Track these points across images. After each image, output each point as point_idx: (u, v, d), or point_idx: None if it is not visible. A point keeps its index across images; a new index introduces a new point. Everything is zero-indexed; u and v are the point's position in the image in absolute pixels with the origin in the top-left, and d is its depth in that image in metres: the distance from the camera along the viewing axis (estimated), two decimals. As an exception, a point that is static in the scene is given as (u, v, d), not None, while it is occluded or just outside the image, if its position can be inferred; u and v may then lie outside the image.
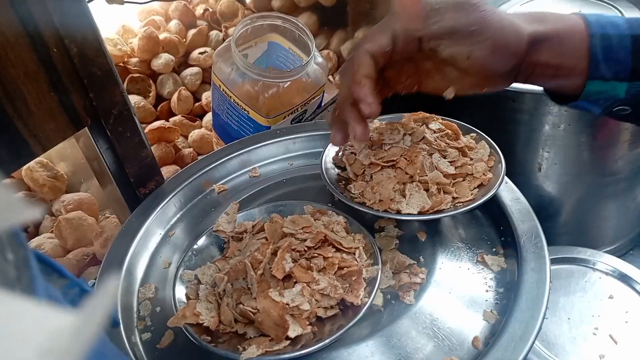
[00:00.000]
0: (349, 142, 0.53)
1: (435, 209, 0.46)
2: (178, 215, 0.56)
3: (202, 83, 1.09)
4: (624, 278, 0.68)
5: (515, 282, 0.42)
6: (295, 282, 0.40)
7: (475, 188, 0.49)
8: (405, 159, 0.48)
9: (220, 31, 1.17)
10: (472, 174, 0.49)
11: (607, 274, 0.69)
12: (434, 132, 0.53)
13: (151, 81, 1.05)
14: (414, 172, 0.48)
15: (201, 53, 1.10)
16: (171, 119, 1.01)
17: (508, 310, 0.40)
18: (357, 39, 1.15)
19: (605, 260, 0.70)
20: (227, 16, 1.20)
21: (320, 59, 0.75)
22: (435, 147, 0.50)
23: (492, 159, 0.52)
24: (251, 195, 0.57)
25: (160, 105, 1.04)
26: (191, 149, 0.97)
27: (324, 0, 1.14)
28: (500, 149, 0.53)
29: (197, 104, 1.07)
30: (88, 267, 0.66)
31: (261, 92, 0.71)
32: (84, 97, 0.50)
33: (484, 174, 0.49)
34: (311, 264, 0.42)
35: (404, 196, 0.47)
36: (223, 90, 0.74)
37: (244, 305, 0.39)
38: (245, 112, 0.73)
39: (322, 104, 0.81)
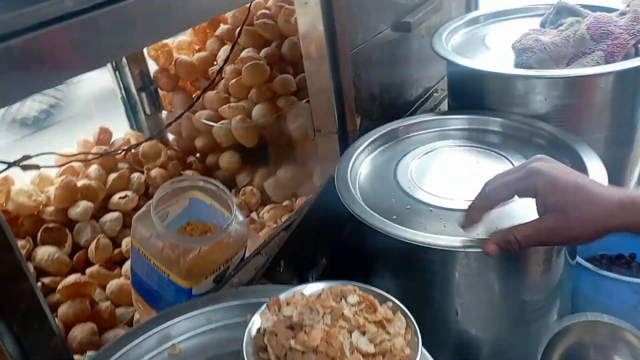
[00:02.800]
0: (270, 313, 0.54)
1: None
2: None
3: (122, 228, 1.07)
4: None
5: None
6: None
7: None
8: (326, 342, 0.49)
9: (142, 173, 1.18)
10: (392, 351, 0.50)
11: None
12: (352, 305, 0.54)
13: (67, 230, 1.02)
14: (334, 354, 0.49)
15: (122, 197, 1.09)
16: (88, 270, 0.98)
17: None
18: (279, 177, 1.20)
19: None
20: (149, 157, 1.21)
21: (241, 217, 0.77)
22: (354, 324, 0.52)
23: (408, 331, 0.53)
24: (170, 381, 0.55)
25: (76, 255, 1.01)
26: (108, 302, 0.93)
27: (246, 142, 1.19)
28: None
29: (116, 250, 1.04)
30: None
31: (182, 255, 0.70)
32: (-11, 297, 0.48)
33: (402, 350, 0.51)
34: None
35: None
36: (142, 253, 0.73)
37: None
38: (166, 275, 0.72)
39: (245, 257, 0.81)
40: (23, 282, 0.50)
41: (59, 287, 0.89)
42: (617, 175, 0.84)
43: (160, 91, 1.26)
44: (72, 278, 0.90)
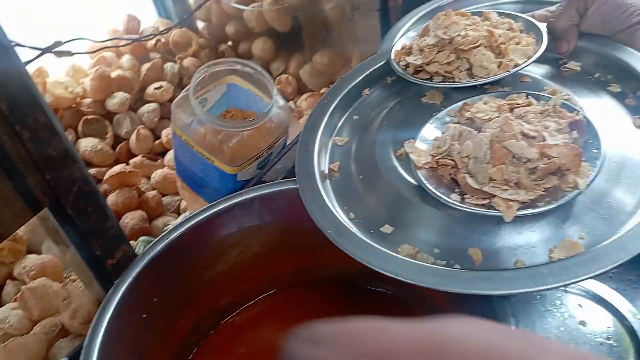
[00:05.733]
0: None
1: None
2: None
3: (160, 119, 1.07)
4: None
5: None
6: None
7: None
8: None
9: (175, 62, 1.15)
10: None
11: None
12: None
13: (107, 122, 1.02)
14: (493, 42, 0.59)
15: (157, 88, 1.07)
16: (131, 161, 0.99)
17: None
18: (315, 63, 1.15)
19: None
20: (180, 46, 1.17)
21: (281, 102, 0.74)
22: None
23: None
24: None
25: (118, 146, 1.02)
26: (155, 191, 0.95)
27: (279, 26, 1.13)
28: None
29: (157, 141, 1.04)
30: (57, 339, 0.63)
31: (224, 141, 0.69)
32: (41, 180, 0.48)
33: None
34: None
35: (506, 55, 0.58)
36: (185, 140, 0.72)
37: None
38: (210, 161, 0.72)
39: (287, 144, 0.80)
40: (72, 166, 0.50)
41: (106, 176, 0.90)
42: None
43: (187, -26, 1.19)
44: (118, 168, 0.91)
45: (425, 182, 0.49)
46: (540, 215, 0.44)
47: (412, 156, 0.51)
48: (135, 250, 0.75)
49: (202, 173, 0.75)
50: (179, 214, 0.93)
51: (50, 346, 0.63)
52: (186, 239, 0.59)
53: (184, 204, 0.94)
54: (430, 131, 0.54)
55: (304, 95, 1.13)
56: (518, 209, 0.43)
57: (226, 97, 0.80)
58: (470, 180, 0.46)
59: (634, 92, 0.54)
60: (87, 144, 0.97)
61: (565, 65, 0.60)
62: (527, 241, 0.43)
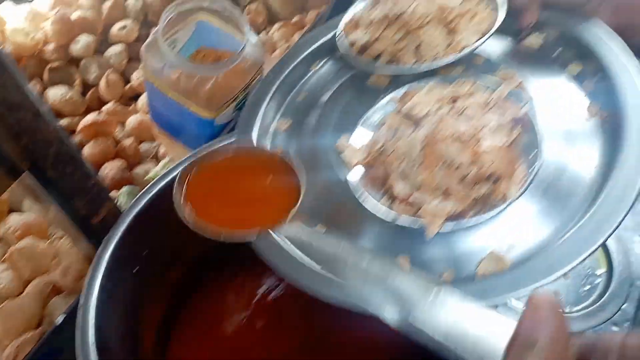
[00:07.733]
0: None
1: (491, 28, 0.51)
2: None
3: (129, 61, 1.02)
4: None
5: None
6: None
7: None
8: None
9: (137, -2, 1.08)
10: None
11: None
12: None
13: (74, 68, 0.98)
14: (444, 17, 0.52)
15: (121, 28, 1.02)
16: (103, 108, 0.95)
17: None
18: (285, -10, 1.09)
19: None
20: (141, -21, 1.10)
21: (254, 38, 0.72)
22: None
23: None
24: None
25: (88, 94, 0.98)
26: (132, 138, 0.93)
27: (244, -48, 1.07)
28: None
29: (127, 85, 1.00)
30: (51, 297, 0.64)
31: (199, 85, 0.67)
32: (17, 145, 0.46)
33: None
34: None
35: (457, 32, 0.52)
36: (158, 86, 0.70)
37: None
38: (186, 107, 0.70)
39: (264, 82, 0.78)
40: (47, 126, 0.48)
41: (79, 127, 0.88)
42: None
43: None
44: (91, 117, 0.88)
45: (353, 186, 0.46)
46: (468, 227, 0.41)
47: (344, 155, 0.47)
48: (119, 202, 0.75)
49: (179, 119, 0.73)
50: (159, 161, 0.92)
51: (45, 305, 0.63)
52: (170, 190, 0.58)
53: (162, 149, 0.92)
54: (371, 121, 0.50)
55: (276, 25, 1.09)
56: (445, 221, 0.40)
57: (196, 36, 0.77)
58: (400, 186, 0.42)
59: (595, 74, 0.48)
60: (55, 94, 0.93)
61: (524, 41, 0.53)
62: (455, 252, 0.40)
